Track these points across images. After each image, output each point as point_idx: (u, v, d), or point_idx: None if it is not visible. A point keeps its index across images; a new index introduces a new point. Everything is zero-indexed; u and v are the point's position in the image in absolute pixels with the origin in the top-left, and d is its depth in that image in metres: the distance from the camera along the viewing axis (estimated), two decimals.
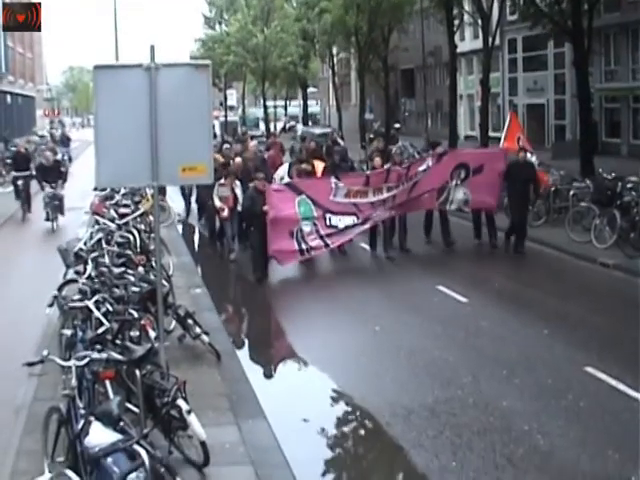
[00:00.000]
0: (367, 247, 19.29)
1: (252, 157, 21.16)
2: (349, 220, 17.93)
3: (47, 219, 23.38)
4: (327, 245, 17.74)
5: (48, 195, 23.58)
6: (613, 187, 19.31)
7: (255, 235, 17.14)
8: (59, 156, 35.10)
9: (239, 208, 18.52)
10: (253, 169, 19.03)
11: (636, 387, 10.06)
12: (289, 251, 17.20)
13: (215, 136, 48.28)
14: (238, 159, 20.44)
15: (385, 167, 18.80)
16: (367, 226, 18.38)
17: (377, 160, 19.42)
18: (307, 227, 17.31)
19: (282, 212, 16.92)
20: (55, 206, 23.49)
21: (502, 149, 20.83)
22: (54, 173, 24.68)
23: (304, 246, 17.25)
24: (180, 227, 24.06)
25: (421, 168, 18.76)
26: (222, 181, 18.88)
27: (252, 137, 36.37)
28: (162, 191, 22.68)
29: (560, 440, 8.78)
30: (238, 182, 19.03)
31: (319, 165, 20.16)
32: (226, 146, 25.76)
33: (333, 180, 17.94)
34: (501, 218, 19.83)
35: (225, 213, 18.88)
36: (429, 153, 21.70)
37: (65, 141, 47.91)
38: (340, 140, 28.51)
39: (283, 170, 20.33)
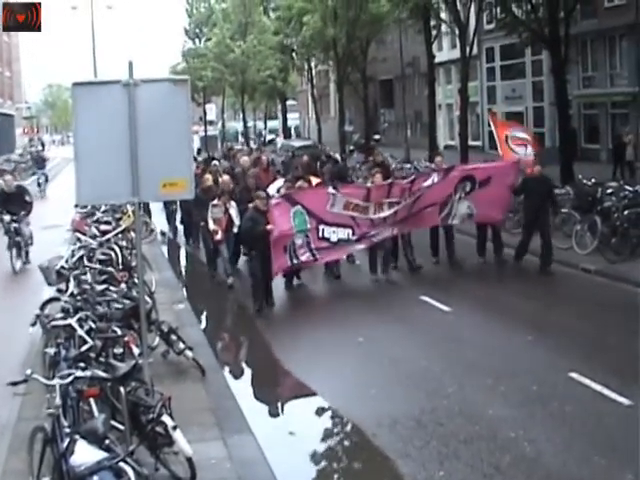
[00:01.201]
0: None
1: (252, 174, 19.97)
2: (343, 233, 17.08)
3: (10, 256, 19.76)
4: (316, 259, 17.01)
5: (10, 230, 19.95)
6: (593, 193, 19.40)
7: (256, 260, 15.86)
8: (31, 179, 33.88)
9: (235, 230, 17.45)
10: (253, 187, 18.08)
11: (621, 391, 10.11)
12: (285, 268, 16.72)
13: (199, 151, 48.45)
14: (226, 177, 19.41)
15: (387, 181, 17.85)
16: (362, 246, 17.61)
17: (377, 177, 18.11)
18: (299, 240, 16.53)
19: (280, 228, 16.06)
20: (17, 243, 19.85)
21: (514, 162, 19.37)
22: (17, 201, 20.57)
23: (295, 261, 16.59)
24: (162, 243, 24.01)
25: (426, 184, 17.82)
26: (215, 202, 17.67)
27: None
28: (146, 209, 22.60)
29: (546, 446, 8.80)
30: (233, 202, 17.74)
31: (315, 182, 19.31)
32: (214, 163, 25.52)
33: (330, 190, 17.11)
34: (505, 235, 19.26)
35: (219, 236, 17.53)
36: (431, 167, 21.20)
37: (40, 162, 42.83)
38: (337, 155, 28.22)
39: (279, 184, 19.40)
